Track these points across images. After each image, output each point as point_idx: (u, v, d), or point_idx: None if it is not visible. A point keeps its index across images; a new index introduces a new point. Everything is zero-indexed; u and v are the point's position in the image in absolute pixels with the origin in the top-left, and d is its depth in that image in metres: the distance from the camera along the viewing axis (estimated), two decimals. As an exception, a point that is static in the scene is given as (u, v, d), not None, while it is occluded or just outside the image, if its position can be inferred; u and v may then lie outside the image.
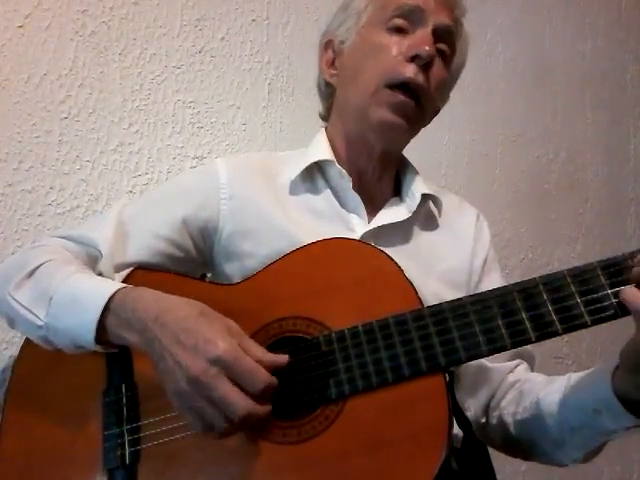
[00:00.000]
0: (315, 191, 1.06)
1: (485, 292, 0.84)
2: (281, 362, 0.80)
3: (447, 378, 0.81)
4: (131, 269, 0.98)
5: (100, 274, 0.95)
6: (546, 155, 2.10)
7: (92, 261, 0.97)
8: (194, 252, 1.03)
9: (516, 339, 0.80)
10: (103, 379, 0.90)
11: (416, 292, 0.85)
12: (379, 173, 1.08)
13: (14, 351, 1.01)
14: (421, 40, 0.99)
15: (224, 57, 1.50)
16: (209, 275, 1.08)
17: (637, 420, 0.81)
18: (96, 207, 1.28)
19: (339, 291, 0.87)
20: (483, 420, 1.06)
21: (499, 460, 1.08)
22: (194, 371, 0.75)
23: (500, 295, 0.82)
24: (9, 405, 0.93)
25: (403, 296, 0.85)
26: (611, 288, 0.78)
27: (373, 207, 1.06)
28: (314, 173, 1.07)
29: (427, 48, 0.98)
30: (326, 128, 1.12)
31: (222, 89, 1.49)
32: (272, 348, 0.85)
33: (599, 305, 0.78)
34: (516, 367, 1.06)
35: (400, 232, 1.04)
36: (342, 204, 1.04)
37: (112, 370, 0.90)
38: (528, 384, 1.02)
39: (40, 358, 0.93)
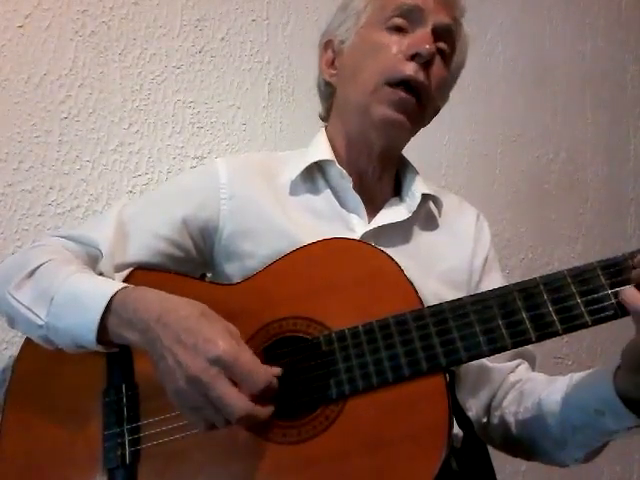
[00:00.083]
0: (315, 191, 1.06)
1: (485, 292, 0.84)
2: (274, 374, 0.79)
3: (447, 378, 0.81)
4: (131, 269, 0.98)
5: (100, 274, 0.95)
6: (546, 155, 2.10)
7: (92, 261, 0.97)
8: (194, 252, 1.03)
9: (516, 339, 0.80)
10: (103, 379, 0.90)
11: (416, 292, 0.85)
12: (379, 173, 1.08)
13: (14, 351, 1.01)
14: (421, 39, 0.99)
15: (224, 57, 1.50)
16: (209, 275, 1.08)
17: (639, 420, 0.81)
18: (96, 207, 1.28)
19: (339, 291, 0.87)
20: (484, 420, 1.06)
21: (499, 460, 1.08)
22: (194, 370, 0.75)
23: (500, 295, 0.82)
24: (9, 405, 0.93)
25: (403, 296, 0.85)
26: (611, 288, 0.78)
27: (373, 207, 1.06)
28: (314, 173, 1.07)
29: (427, 46, 0.98)
30: (326, 128, 1.12)
31: (222, 89, 1.49)
32: (272, 348, 0.86)
33: (599, 305, 0.78)
34: (517, 367, 1.06)
35: (400, 232, 1.04)
36: (342, 204, 1.04)
37: (112, 370, 0.90)
38: (529, 384, 1.02)
39: (40, 358, 0.93)
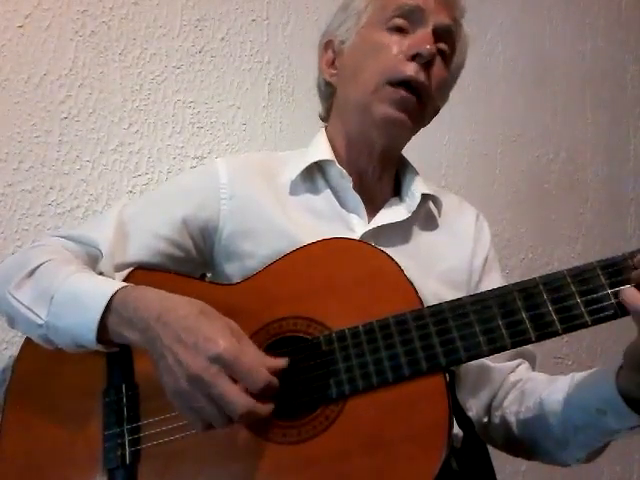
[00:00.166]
0: (315, 191, 1.06)
1: (485, 292, 0.84)
2: (280, 365, 0.80)
3: (447, 378, 0.81)
4: (131, 269, 0.98)
5: (100, 274, 0.95)
6: (546, 155, 2.10)
7: (92, 261, 0.97)
8: (194, 252, 1.03)
9: (516, 339, 0.80)
10: (103, 379, 0.90)
11: (416, 292, 0.85)
12: (379, 173, 1.08)
13: (14, 351, 1.01)
14: (422, 39, 0.99)
15: (224, 57, 1.50)
16: (209, 275, 1.08)
17: None
18: (96, 207, 1.28)
19: (339, 291, 0.87)
20: (485, 420, 1.06)
21: (499, 460, 1.08)
22: (194, 369, 0.75)
23: (500, 295, 0.82)
24: (9, 405, 0.93)
25: (403, 296, 0.85)
26: (611, 288, 0.78)
27: (373, 207, 1.06)
28: (314, 173, 1.07)
29: (428, 47, 0.98)
30: (326, 128, 1.12)
31: (222, 89, 1.49)
32: (272, 348, 0.85)
33: (599, 305, 0.78)
34: (517, 367, 1.06)
35: (400, 232, 1.04)
36: (342, 204, 1.05)
37: (112, 370, 0.90)
38: (530, 383, 1.02)
39: (40, 358, 0.93)
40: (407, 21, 1.01)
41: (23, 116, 1.22)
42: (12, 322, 0.93)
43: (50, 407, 0.91)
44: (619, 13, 2.38)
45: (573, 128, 2.19)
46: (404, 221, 1.04)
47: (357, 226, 1.02)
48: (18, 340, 1.02)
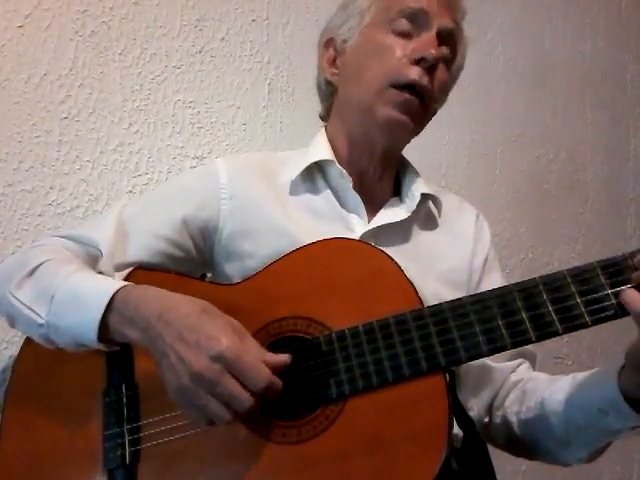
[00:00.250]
0: (315, 191, 1.06)
1: (485, 292, 0.84)
2: (282, 362, 0.80)
3: (447, 378, 0.81)
4: (131, 269, 0.98)
5: (100, 274, 0.95)
6: (546, 155, 2.10)
7: (92, 260, 0.97)
8: (194, 252, 1.03)
9: (516, 339, 0.80)
10: (103, 379, 0.90)
11: (416, 292, 0.85)
12: (380, 173, 1.08)
13: (14, 351, 1.01)
14: (426, 43, 0.99)
15: (224, 57, 1.50)
16: (209, 275, 1.08)
17: None
18: (96, 207, 1.28)
19: (339, 291, 0.87)
20: (486, 420, 1.06)
21: (499, 460, 1.08)
22: (197, 367, 0.76)
23: (500, 295, 0.82)
24: (9, 405, 0.93)
25: (403, 296, 0.85)
26: (611, 288, 0.78)
27: (373, 207, 1.06)
28: (314, 173, 1.07)
29: (433, 51, 0.99)
30: (326, 128, 1.12)
31: (222, 89, 1.49)
32: (272, 348, 0.85)
33: (599, 305, 0.78)
34: (518, 366, 1.06)
35: (400, 232, 1.04)
36: (342, 204, 1.05)
37: (112, 370, 0.90)
38: (531, 383, 1.02)
39: (40, 358, 0.93)
40: (411, 23, 1.01)
41: (23, 116, 1.22)
42: (12, 322, 0.93)
43: (50, 407, 0.91)
44: (619, 13, 2.38)
45: (573, 128, 2.19)
46: (404, 221, 1.04)
47: (357, 226, 1.02)
48: (18, 340, 1.02)
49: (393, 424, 0.78)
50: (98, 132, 1.31)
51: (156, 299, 0.83)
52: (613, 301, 0.77)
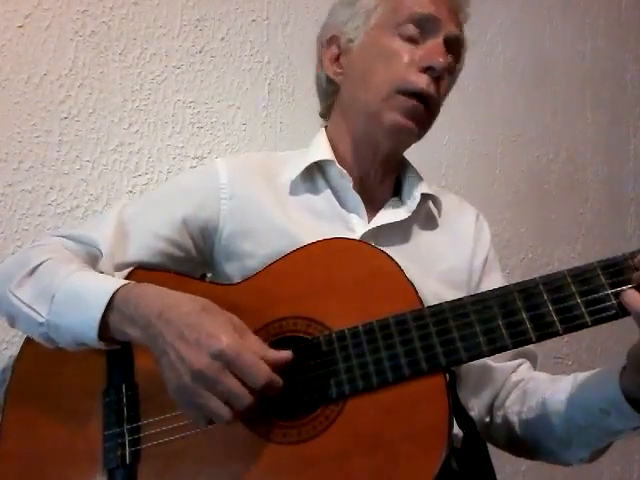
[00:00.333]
0: (315, 191, 1.06)
1: (485, 292, 0.84)
2: (284, 358, 0.80)
3: (447, 378, 0.81)
4: (131, 269, 0.98)
5: (100, 273, 0.95)
6: (546, 155, 2.10)
7: (92, 260, 0.97)
8: (194, 252, 1.03)
9: (517, 339, 0.80)
10: (103, 379, 0.90)
11: (416, 292, 0.85)
12: (381, 177, 1.08)
13: (14, 351, 1.01)
14: (434, 51, 0.99)
15: (224, 57, 1.50)
16: (209, 275, 1.08)
17: None
18: (96, 207, 1.28)
19: (339, 291, 0.87)
20: (487, 420, 1.06)
21: (499, 460, 1.08)
22: (197, 366, 0.76)
23: (500, 295, 0.82)
24: (9, 405, 0.93)
25: (403, 296, 0.85)
26: (611, 288, 0.78)
27: (373, 207, 1.06)
28: (314, 173, 1.06)
29: (441, 60, 0.99)
30: (326, 127, 1.12)
31: (222, 89, 1.49)
32: (272, 348, 0.85)
33: (599, 305, 0.78)
34: (519, 366, 1.06)
35: (400, 232, 1.04)
36: (342, 204, 1.04)
37: (112, 370, 0.90)
38: (532, 383, 1.02)
39: (40, 358, 0.93)
40: (418, 29, 1.00)
41: (23, 116, 1.22)
42: (13, 321, 0.93)
43: (50, 407, 0.91)
44: (619, 13, 2.38)
45: (573, 128, 2.18)
46: (404, 221, 1.04)
47: (357, 226, 1.02)
48: (18, 340, 1.02)
49: (393, 424, 0.78)
50: (98, 132, 1.31)
51: (156, 297, 0.83)
52: (613, 301, 0.77)
